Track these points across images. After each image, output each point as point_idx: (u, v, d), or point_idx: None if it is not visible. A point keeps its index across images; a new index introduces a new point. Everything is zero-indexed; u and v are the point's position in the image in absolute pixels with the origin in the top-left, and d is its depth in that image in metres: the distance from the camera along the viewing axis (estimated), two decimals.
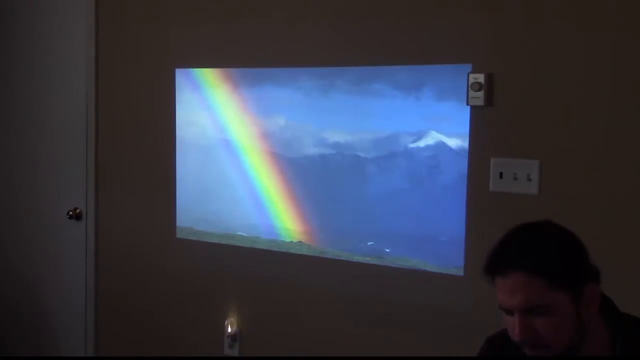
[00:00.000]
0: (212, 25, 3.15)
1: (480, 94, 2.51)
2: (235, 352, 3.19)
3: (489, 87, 2.51)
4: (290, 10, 2.94)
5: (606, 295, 1.55)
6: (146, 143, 3.39)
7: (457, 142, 2.60)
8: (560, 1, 2.41)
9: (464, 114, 2.57)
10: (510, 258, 1.48)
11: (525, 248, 1.49)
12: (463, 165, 2.59)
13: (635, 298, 1.66)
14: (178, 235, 3.31)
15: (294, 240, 3.01)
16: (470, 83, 2.52)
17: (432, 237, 2.68)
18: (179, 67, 3.24)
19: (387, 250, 2.79)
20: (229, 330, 3.18)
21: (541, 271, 1.44)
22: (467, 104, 2.54)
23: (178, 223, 3.30)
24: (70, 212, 3.63)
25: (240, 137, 3.11)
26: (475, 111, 2.55)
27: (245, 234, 3.12)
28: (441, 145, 2.64)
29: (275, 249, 3.04)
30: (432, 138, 2.66)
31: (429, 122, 2.66)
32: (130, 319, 3.51)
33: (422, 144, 2.68)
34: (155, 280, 3.41)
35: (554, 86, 2.43)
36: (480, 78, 2.50)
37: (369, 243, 2.82)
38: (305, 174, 2.95)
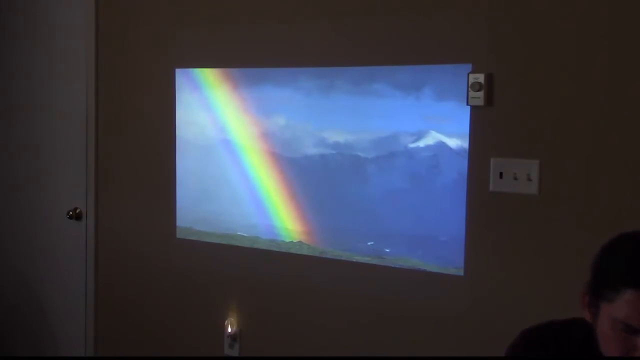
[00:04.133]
0: (211, 26, 3.15)
1: (480, 94, 2.51)
2: (235, 352, 3.19)
3: (489, 87, 2.51)
4: (290, 11, 2.94)
5: None
6: (146, 143, 3.39)
7: (457, 142, 2.60)
8: (560, 1, 2.41)
9: (464, 114, 2.57)
10: None
11: None
12: (463, 165, 2.59)
13: None
14: (178, 235, 3.31)
15: (294, 240, 3.01)
16: (470, 83, 2.52)
17: (432, 237, 2.68)
18: (179, 67, 3.24)
19: (387, 250, 2.78)
20: (229, 330, 3.19)
21: None
22: (467, 104, 2.54)
23: (178, 223, 3.30)
24: (70, 212, 3.63)
25: (240, 137, 3.11)
26: (475, 111, 2.55)
27: (245, 234, 3.12)
28: (441, 145, 2.64)
29: (275, 249, 3.04)
30: (432, 138, 2.66)
31: (429, 122, 2.66)
32: (130, 319, 3.51)
33: (422, 144, 2.68)
34: (155, 280, 3.41)
35: (553, 86, 2.42)
36: (480, 78, 2.50)
37: (369, 243, 2.82)
38: (305, 174, 2.95)
